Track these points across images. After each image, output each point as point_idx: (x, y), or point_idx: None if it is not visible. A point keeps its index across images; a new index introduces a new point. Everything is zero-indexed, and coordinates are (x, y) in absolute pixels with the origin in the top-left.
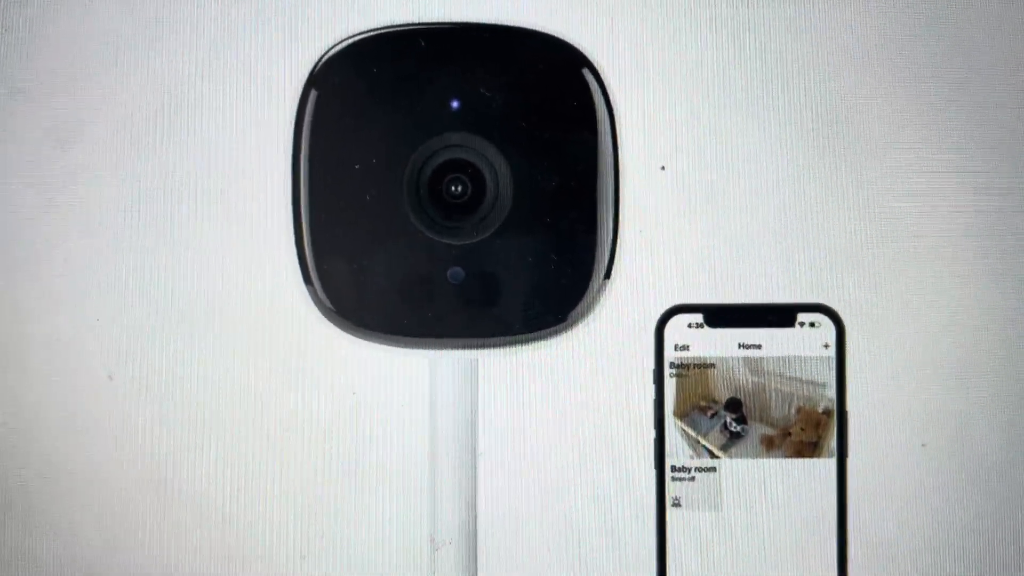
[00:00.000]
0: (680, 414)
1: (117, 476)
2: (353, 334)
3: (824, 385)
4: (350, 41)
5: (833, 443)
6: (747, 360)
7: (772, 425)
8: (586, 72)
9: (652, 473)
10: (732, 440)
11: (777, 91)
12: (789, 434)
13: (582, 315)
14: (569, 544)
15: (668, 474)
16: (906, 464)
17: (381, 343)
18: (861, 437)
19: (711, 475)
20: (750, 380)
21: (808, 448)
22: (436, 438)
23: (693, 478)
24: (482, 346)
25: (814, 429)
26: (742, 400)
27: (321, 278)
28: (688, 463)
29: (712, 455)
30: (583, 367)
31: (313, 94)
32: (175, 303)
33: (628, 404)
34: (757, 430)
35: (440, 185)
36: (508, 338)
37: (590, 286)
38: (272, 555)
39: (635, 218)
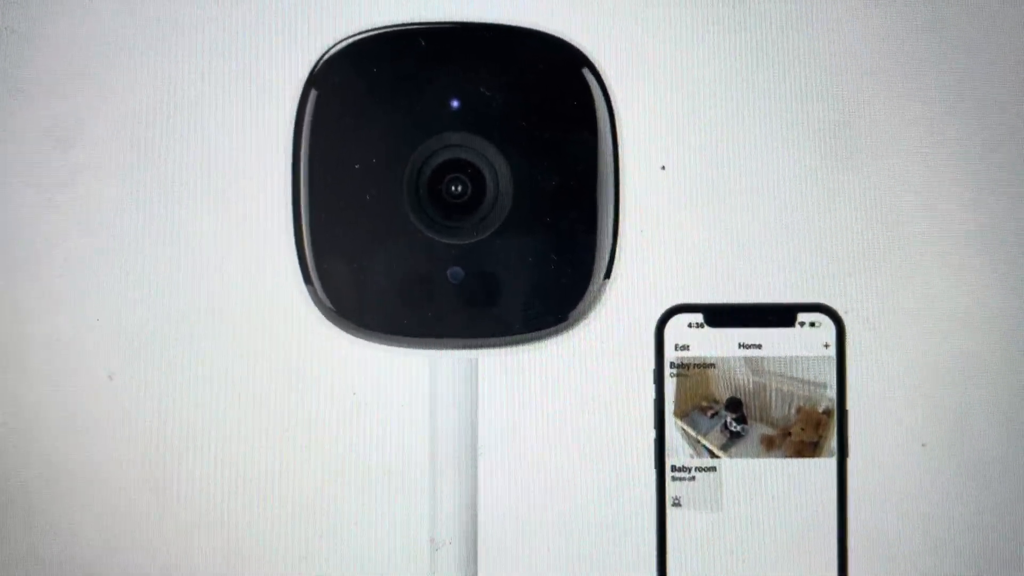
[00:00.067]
0: (680, 414)
1: (117, 476)
2: (353, 334)
3: (824, 385)
4: (350, 41)
5: (833, 443)
6: (747, 360)
7: (772, 425)
8: (586, 72)
9: (652, 473)
10: (732, 440)
11: (777, 90)
12: (789, 434)
13: (582, 315)
14: (569, 543)
15: (668, 474)
16: (906, 464)
17: (381, 343)
18: (861, 437)
19: (711, 475)
20: (750, 380)
21: (808, 448)
22: (436, 438)
23: (693, 478)
24: (482, 346)
25: (814, 429)
26: (742, 400)
27: (321, 278)
28: (688, 463)
29: (712, 455)
30: (583, 367)
31: (313, 94)
32: (175, 303)
33: (628, 404)
34: (757, 430)
35: (440, 185)
36: (508, 338)
37: (590, 286)
38: (272, 555)
39: (635, 218)
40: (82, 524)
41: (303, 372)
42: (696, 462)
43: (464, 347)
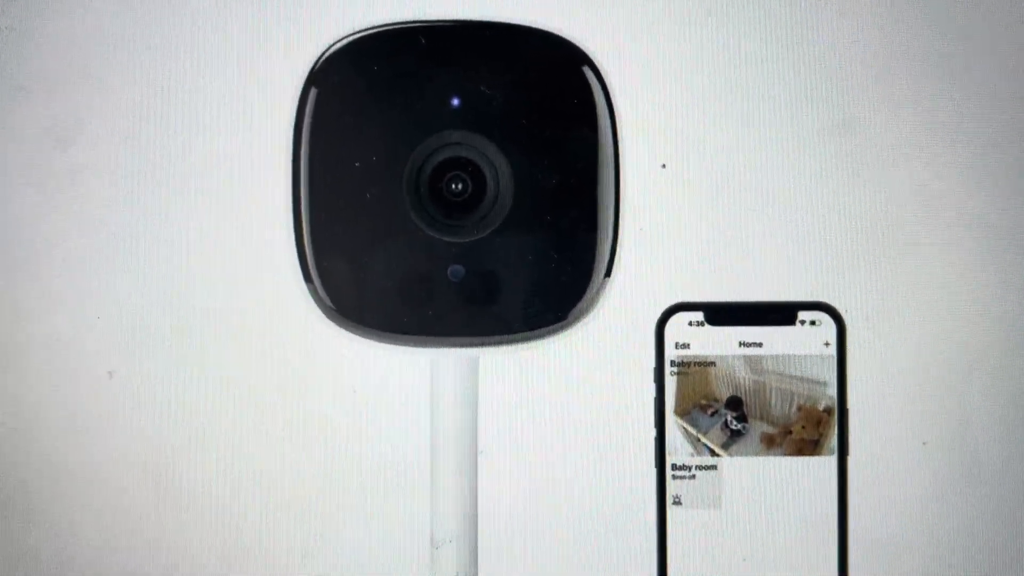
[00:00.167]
0: (681, 412)
1: (117, 476)
2: (353, 332)
3: (825, 383)
4: (350, 39)
5: (834, 441)
6: (748, 358)
7: (773, 423)
8: (586, 70)
9: (652, 471)
10: (733, 438)
11: (778, 89)
12: (790, 432)
13: (583, 313)
14: (569, 543)
15: (669, 472)
16: (907, 462)
17: (381, 341)
18: (862, 435)
19: (711, 473)
20: (751, 378)
21: (809, 446)
22: (437, 437)
23: (694, 476)
24: (482, 344)
25: (815, 427)
26: (743, 398)
27: (321, 276)
28: (689, 461)
29: (713, 453)
30: (584, 365)
31: (313, 92)
32: (175, 302)
33: (629, 402)
34: (758, 428)
35: (440, 183)
36: (508, 336)
37: (590, 284)
38: (272, 555)
39: (636, 216)
40: (82, 524)
41: (303, 371)
42: (696, 460)
43: (464, 345)
